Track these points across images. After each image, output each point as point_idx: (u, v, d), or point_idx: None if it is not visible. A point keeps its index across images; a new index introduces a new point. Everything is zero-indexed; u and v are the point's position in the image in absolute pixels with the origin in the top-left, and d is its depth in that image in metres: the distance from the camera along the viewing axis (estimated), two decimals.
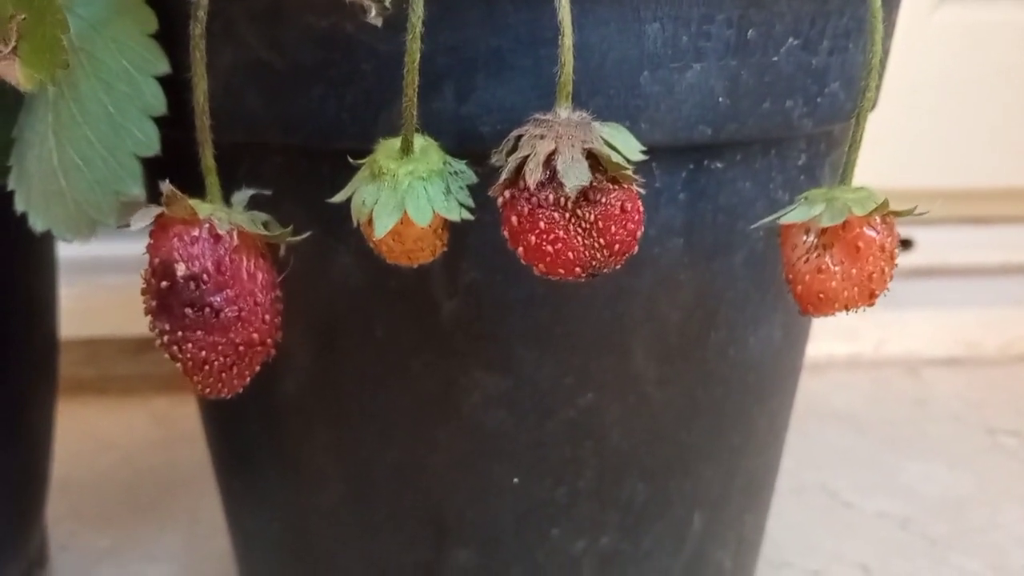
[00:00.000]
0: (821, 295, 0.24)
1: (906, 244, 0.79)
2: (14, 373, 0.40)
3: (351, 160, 0.24)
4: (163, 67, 0.27)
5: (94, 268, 0.67)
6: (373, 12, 0.20)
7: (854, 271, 0.24)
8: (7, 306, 0.38)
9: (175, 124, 0.27)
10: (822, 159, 0.31)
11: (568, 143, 0.21)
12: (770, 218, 0.25)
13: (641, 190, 0.22)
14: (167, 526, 0.51)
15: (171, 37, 0.27)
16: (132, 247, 0.29)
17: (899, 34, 0.71)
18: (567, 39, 0.21)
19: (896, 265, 0.25)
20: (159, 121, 0.27)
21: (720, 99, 0.26)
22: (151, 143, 0.27)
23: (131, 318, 0.68)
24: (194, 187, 0.27)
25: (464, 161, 0.24)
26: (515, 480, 0.30)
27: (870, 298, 0.24)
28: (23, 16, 0.20)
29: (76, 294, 0.66)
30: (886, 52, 0.33)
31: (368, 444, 0.31)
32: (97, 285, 0.68)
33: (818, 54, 0.28)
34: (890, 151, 0.75)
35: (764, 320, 0.32)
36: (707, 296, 0.30)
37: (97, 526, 0.51)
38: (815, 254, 0.24)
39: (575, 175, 0.20)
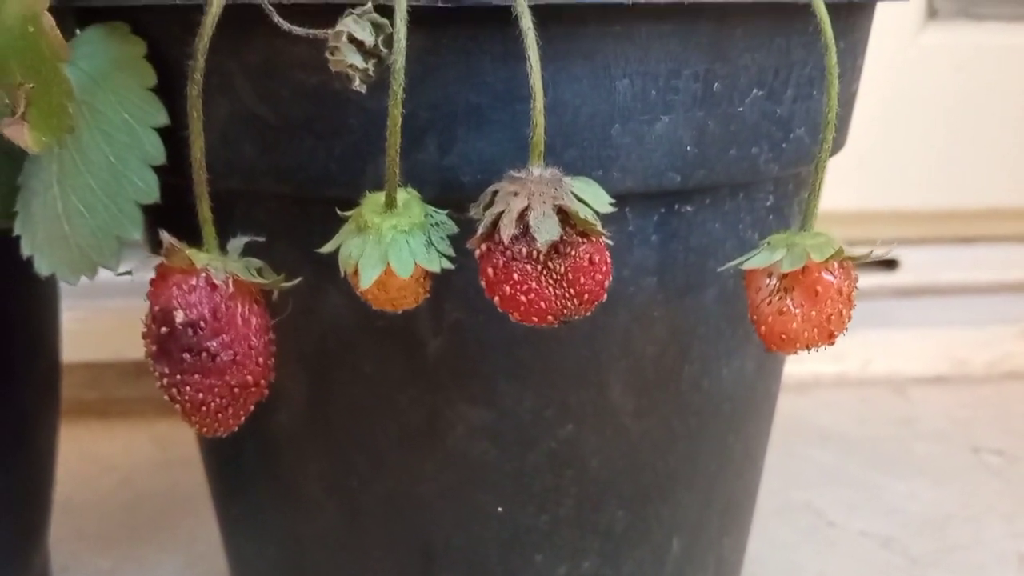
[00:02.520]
0: (783, 335, 0.26)
1: (890, 264, 0.81)
2: (19, 397, 0.41)
3: (339, 212, 0.25)
4: (162, 119, 0.29)
5: (95, 292, 0.68)
6: (357, 81, 0.22)
7: (813, 313, 0.25)
8: (12, 332, 0.40)
9: (173, 171, 0.29)
10: (790, 199, 0.33)
11: (540, 200, 0.22)
12: (735, 262, 0.27)
13: (609, 241, 0.23)
14: (167, 547, 0.53)
15: (169, 90, 0.29)
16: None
17: (885, 56, 0.73)
18: (538, 103, 0.22)
19: (854, 307, 0.26)
20: (158, 169, 0.29)
21: (688, 148, 0.28)
22: (151, 191, 0.29)
23: (132, 342, 0.69)
24: (191, 229, 0.28)
25: (446, 211, 0.26)
26: (499, 508, 0.32)
27: (829, 338, 0.26)
28: (31, 85, 0.21)
29: (78, 318, 0.68)
30: (853, 95, 0.34)
31: (358, 473, 0.32)
32: (98, 309, 0.69)
33: (782, 103, 0.29)
34: (877, 172, 0.77)
35: (736, 352, 0.33)
36: (680, 331, 0.31)
37: (98, 547, 0.52)
38: (777, 297, 0.26)
39: (546, 230, 0.22)
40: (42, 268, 0.30)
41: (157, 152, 0.29)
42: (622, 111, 0.27)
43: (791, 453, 0.63)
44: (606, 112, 0.27)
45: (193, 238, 0.27)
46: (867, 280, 0.80)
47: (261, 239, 0.27)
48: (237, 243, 0.26)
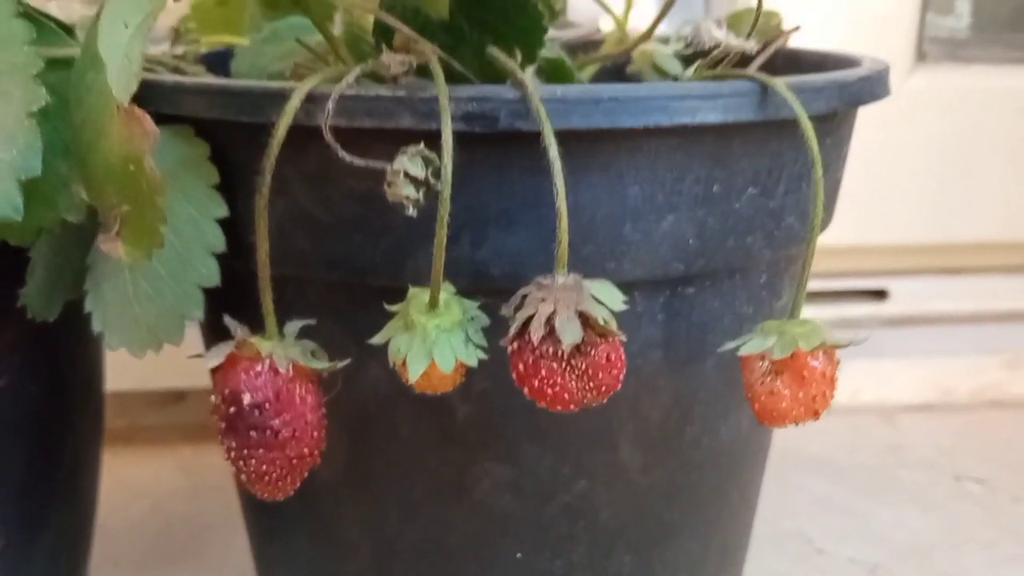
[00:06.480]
0: (774, 412, 0.29)
1: (880, 295, 0.84)
2: (74, 440, 0.45)
3: (386, 305, 0.29)
4: (223, 212, 0.32)
5: None
6: (411, 209, 0.25)
7: (801, 394, 0.29)
8: (69, 385, 0.43)
9: (231, 256, 0.33)
10: (781, 275, 0.36)
11: (564, 305, 0.26)
12: (732, 344, 0.30)
13: (623, 338, 0.27)
14: (198, 572, 0.56)
15: (230, 185, 0.32)
16: None
17: None
18: (563, 222, 0.26)
19: (836, 387, 0.30)
20: (217, 255, 0.32)
21: (690, 241, 0.31)
22: (212, 276, 0.32)
23: (158, 372, 0.73)
24: (242, 304, 0.32)
25: (478, 302, 0.29)
26: (519, 555, 0.35)
27: (815, 415, 0.29)
28: (126, 207, 0.25)
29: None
30: (838, 180, 0.38)
31: (392, 522, 0.36)
32: None
33: (774, 197, 0.33)
34: (868, 208, 0.80)
35: (733, 412, 0.37)
36: (683, 397, 0.35)
37: (133, 573, 0.56)
38: (769, 378, 0.29)
39: (570, 333, 0.25)
40: (112, 343, 0.33)
41: (219, 241, 0.32)
42: (633, 212, 0.30)
43: (784, 481, 0.66)
44: (619, 213, 0.30)
45: (243, 310, 0.31)
46: (857, 310, 0.84)
47: (312, 322, 0.31)
48: (293, 327, 0.30)
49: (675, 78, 0.46)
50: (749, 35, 0.33)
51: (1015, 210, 0.82)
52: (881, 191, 0.79)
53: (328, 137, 0.25)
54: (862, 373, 0.78)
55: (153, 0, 0.25)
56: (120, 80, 0.23)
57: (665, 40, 0.48)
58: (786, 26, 0.47)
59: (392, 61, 0.26)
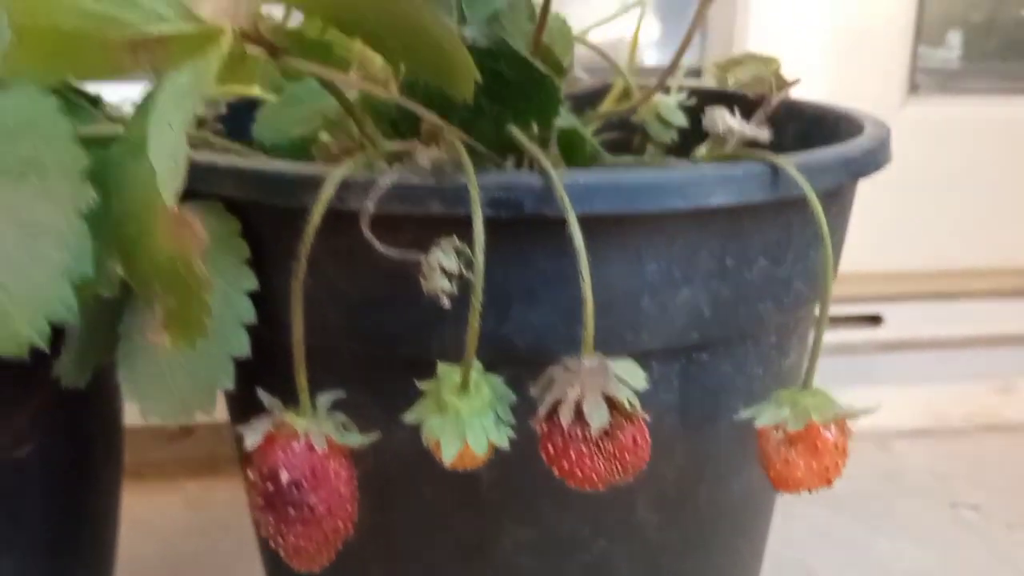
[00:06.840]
0: (790, 481, 0.31)
1: (875, 320, 0.86)
2: (97, 495, 0.46)
3: (416, 382, 0.30)
4: (253, 285, 0.33)
5: None
6: (445, 300, 0.26)
7: (814, 464, 0.30)
8: (94, 436, 0.44)
9: (260, 326, 0.34)
10: (790, 335, 0.38)
11: (592, 389, 0.27)
12: (747, 413, 0.32)
13: (647, 418, 0.28)
14: None
15: (259, 259, 0.33)
16: None
17: None
18: (588, 306, 0.27)
19: (848, 455, 0.31)
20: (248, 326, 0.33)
21: (705, 311, 0.33)
22: (243, 346, 0.33)
23: None
24: (270, 372, 0.33)
25: (503, 376, 0.30)
26: None
27: (828, 483, 0.31)
28: (172, 301, 0.26)
29: None
30: (842, 240, 0.39)
31: None
32: None
33: (784, 265, 0.34)
34: (862, 236, 0.81)
35: (744, 468, 0.38)
36: (697, 457, 0.36)
37: None
38: (783, 447, 0.30)
39: (598, 418, 0.26)
40: (146, 414, 0.34)
41: (249, 313, 0.33)
42: (650, 287, 0.31)
43: (784, 510, 0.67)
44: (637, 288, 0.31)
45: (271, 378, 0.32)
46: (852, 336, 0.85)
47: (343, 394, 0.32)
48: (325, 400, 0.31)
49: (680, 129, 0.48)
50: (767, 117, 0.34)
51: (1006, 237, 0.83)
52: (875, 219, 0.81)
53: (366, 232, 0.26)
54: (857, 399, 0.79)
55: (193, 99, 0.26)
56: (169, 186, 0.24)
57: (668, 89, 0.50)
58: (784, 70, 0.49)
59: (424, 158, 0.27)
